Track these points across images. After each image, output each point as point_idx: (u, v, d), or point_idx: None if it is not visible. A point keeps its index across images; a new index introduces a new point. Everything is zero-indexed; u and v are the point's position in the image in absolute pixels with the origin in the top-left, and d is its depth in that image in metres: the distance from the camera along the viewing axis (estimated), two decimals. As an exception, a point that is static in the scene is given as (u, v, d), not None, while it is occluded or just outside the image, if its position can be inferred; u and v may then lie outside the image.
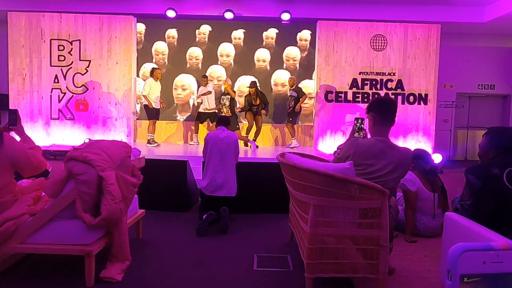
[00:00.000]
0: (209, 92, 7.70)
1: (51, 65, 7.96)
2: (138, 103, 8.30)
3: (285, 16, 7.86)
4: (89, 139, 7.78)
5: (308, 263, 2.28)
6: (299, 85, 8.24)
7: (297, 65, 8.70)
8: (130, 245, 2.73)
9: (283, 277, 2.66)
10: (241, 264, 2.86)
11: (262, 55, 8.68)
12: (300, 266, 2.71)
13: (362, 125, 2.67)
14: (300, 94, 7.63)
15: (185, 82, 8.55)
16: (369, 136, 2.62)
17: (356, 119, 2.65)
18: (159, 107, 7.58)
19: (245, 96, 7.77)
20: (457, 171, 6.58)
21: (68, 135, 8.01)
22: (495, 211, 2.00)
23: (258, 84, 7.76)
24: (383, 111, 2.47)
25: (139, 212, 3.29)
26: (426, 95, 8.09)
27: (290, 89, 7.80)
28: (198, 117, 7.89)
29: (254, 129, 7.78)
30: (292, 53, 8.69)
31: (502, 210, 1.99)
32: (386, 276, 2.28)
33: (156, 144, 7.54)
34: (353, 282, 2.53)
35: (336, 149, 2.69)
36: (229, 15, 7.86)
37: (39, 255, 2.77)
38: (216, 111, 7.75)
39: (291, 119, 7.73)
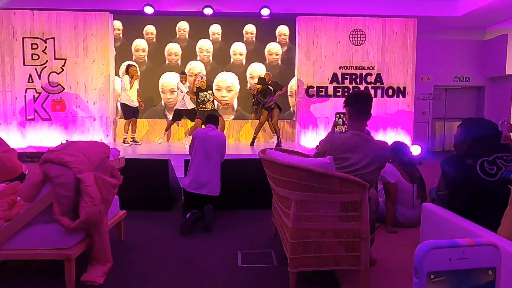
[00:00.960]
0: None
1: (24, 64, 7.70)
2: (119, 102, 8.15)
3: (265, 12, 7.84)
4: (67, 141, 7.59)
5: (291, 257, 2.30)
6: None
7: (279, 61, 8.71)
8: (112, 247, 2.69)
9: (267, 272, 2.68)
10: (225, 261, 2.86)
11: (239, 49, 8.63)
12: (283, 261, 2.72)
13: (343, 119, 2.71)
14: (277, 87, 7.54)
15: (171, 84, 8.35)
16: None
17: (337, 113, 2.69)
18: (137, 105, 7.42)
19: (254, 94, 7.66)
20: (435, 162, 6.74)
21: (45, 136, 7.79)
22: (470, 201, 2.07)
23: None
24: (358, 105, 2.50)
25: (120, 213, 3.24)
26: (404, 88, 8.25)
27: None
28: (175, 115, 7.59)
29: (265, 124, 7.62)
30: (274, 48, 8.68)
31: (476, 200, 2.05)
32: (368, 267, 2.32)
33: (130, 144, 7.39)
34: (335, 274, 2.57)
35: (318, 144, 2.72)
36: (208, 11, 7.78)
37: (17, 261, 2.69)
38: (195, 108, 7.67)
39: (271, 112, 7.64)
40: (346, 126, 2.74)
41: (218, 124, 4.20)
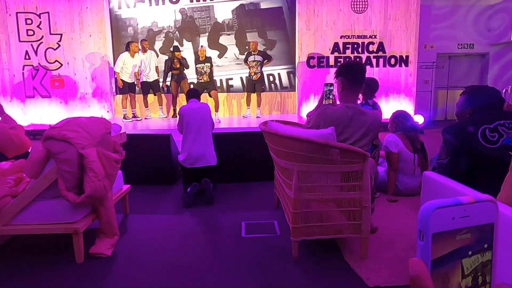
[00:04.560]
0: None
1: (20, 41, 7.57)
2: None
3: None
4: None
5: (294, 227, 2.35)
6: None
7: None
8: (118, 220, 2.76)
9: (271, 242, 2.74)
10: (229, 232, 2.92)
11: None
12: (286, 231, 2.79)
13: (332, 91, 2.62)
14: (266, 57, 7.38)
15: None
16: (338, 101, 2.60)
17: (326, 84, 2.61)
18: (133, 80, 7.30)
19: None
20: (437, 131, 6.70)
21: (45, 113, 7.78)
22: (471, 168, 2.08)
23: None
24: (351, 76, 2.44)
25: (125, 188, 3.28)
26: (407, 56, 8.10)
27: (253, 54, 7.32)
28: (144, 88, 7.37)
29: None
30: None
31: (477, 167, 2.06)
32: (368, 235, 2.38)
33: (132, 120, 7.36)
34: (337, 243, 2.63)
35: (306, 117, 2.69)
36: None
37: (26, 236, 2.76)
38: (158, 80, 7.39)
39: (263, 87, 7.52)
40: (334, 98, 2.62)
41: (200, 97, 4.21)
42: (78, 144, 2.37)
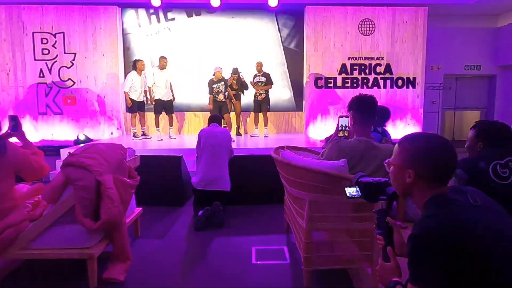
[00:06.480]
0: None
1: (35, 59, 7.78)
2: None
3: (273, 3, 7.76)
4: (85, 135, 7.66)
5: (306, 257, 2.37)
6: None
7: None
8: (130, 244, 2.79)
9: (281, 270, 2.75)
10: (240, 258, 2.94)
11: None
12: (297, 258, 2.81)
13: (346, 124, 2.66)
14: (269, 81, 7.42)
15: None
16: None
17: (341, 117, 2.66)
18: (143, 99, 7.33)
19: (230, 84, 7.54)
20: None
21: (57, 130, 7.92)
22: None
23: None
24: (363, 110, 2.48)
25: (137, 211, 3.33)
26: (414, 78, 8.18)
27: (258, 75, 7.44)
28: (157, 106, 7.22)
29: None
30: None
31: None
32: (379, 265, 2.38)
33: (141, 138, 7.41)
34: (348, 272, 2.63)
35: (322, 149, 2.73)
36: (215, 3, 7.73)
37: (41, 260, 2.80)
38: (172, 100, 7.36)
39: (268, 106, 7.57)
40: (348, 130, 2.65)
41: (221, 123, 4.31)
42: (96, 171, 2.44)
